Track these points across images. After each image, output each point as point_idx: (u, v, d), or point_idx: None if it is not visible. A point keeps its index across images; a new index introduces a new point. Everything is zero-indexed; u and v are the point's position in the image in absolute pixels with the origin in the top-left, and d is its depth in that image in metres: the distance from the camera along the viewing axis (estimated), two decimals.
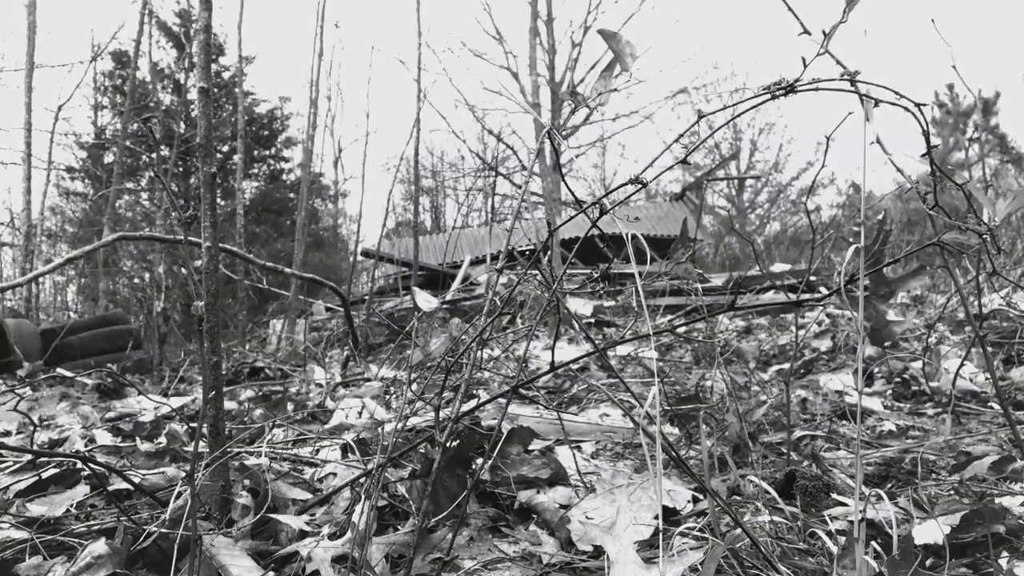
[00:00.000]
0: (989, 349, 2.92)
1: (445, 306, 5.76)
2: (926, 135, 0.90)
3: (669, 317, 5.74)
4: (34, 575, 1.18)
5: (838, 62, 0.89)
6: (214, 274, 1.35)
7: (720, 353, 3.48)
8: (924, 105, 0.89)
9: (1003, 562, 1.08)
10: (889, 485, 1.51)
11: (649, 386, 3.07)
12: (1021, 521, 1.19)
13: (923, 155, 0.91)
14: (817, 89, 0.89)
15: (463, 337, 1.20)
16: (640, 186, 0.96)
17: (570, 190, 1.15)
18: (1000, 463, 1.57)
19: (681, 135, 0.97)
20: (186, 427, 2.29)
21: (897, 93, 0.88)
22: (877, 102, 0.88)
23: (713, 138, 26.15)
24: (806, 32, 0.89)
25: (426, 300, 1.30)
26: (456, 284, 7.87)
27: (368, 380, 3.16)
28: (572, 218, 1.10)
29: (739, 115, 0.92)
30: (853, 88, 0.88)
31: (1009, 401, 2.17)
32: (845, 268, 1.04)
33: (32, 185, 11.17)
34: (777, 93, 0.90)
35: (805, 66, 0.88)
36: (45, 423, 2.84)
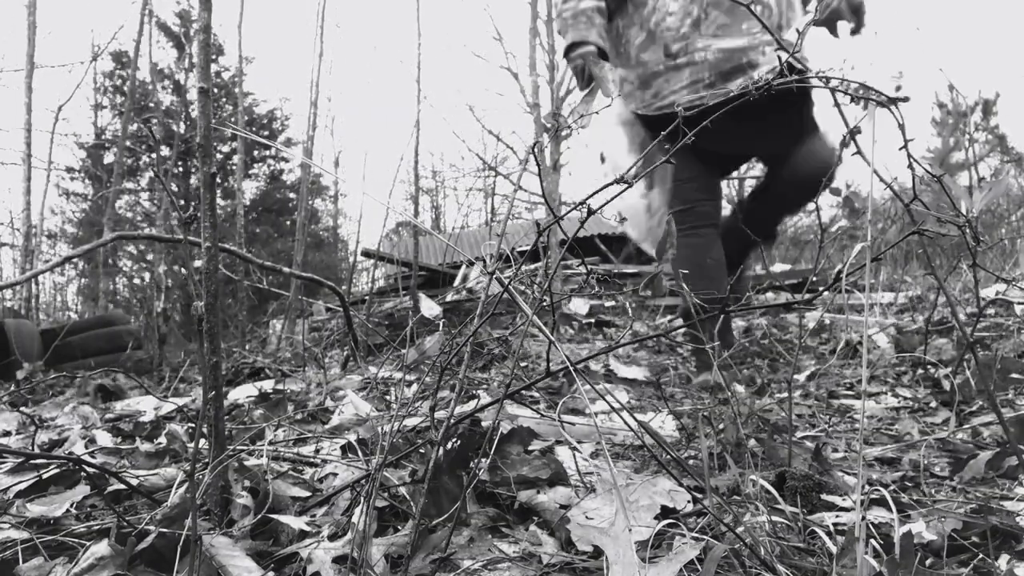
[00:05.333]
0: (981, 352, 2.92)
1: (445, 307, 5.76)
2: (901, 128, 0.91)
3: (669, 317, 5.74)
4: None
5: (811, 71, 0.90)
6: (214, 274, 1.35)
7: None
8: (898, 100, 0.90)
9: (1003, 562, 1.08)
10: (891, 486, 1.51)
11: (649, 384, 3.07)
12: (1021, 522, 1.20)
13: (900, 148, 0.92)
14: (794, 88, 0.91)
15: (457, 340, 1.20)
16: (625, 185, 0.96)
17: (548, 205, 1.15)
18: (995, 459, 1.58)
19: (663, 135, 0.98)
20: (186, 427, 2.29)
21: (867, 87, 0.89)
22: (852, 98, 0.89)
23: None
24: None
25: (429, 306, 1.30)
26: (456, 283, 7.87)
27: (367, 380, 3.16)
28: (555, 222, 1.10)
29: (718, 113, 0.92)
30: (825, 85, 0.89)
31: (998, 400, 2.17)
32: (845, 267, 1.04)
33: (32, 185, 11.17)
34: (755, 92, 0.91)
35: (780, 65, 0.90)
36: (45, 423, 2.84)
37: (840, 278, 1.04)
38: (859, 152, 0.93)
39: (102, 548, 1.15)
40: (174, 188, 17.19)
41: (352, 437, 1.80)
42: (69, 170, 17.71)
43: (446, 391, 2.43)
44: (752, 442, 1.79)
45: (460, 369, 1.25)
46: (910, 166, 0.95)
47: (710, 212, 2.98)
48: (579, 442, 1.90)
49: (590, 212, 1.01)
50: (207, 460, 1.37)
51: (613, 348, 1.27)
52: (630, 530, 1.09)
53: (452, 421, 1.34)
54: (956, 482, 1.54)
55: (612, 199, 1.00)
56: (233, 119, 17.94)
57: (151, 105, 13.61)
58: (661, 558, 1.09)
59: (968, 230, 0.96)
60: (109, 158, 17.40)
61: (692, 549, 1.06)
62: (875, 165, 0.94)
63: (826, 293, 1.08)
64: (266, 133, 19.57)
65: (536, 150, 1.07)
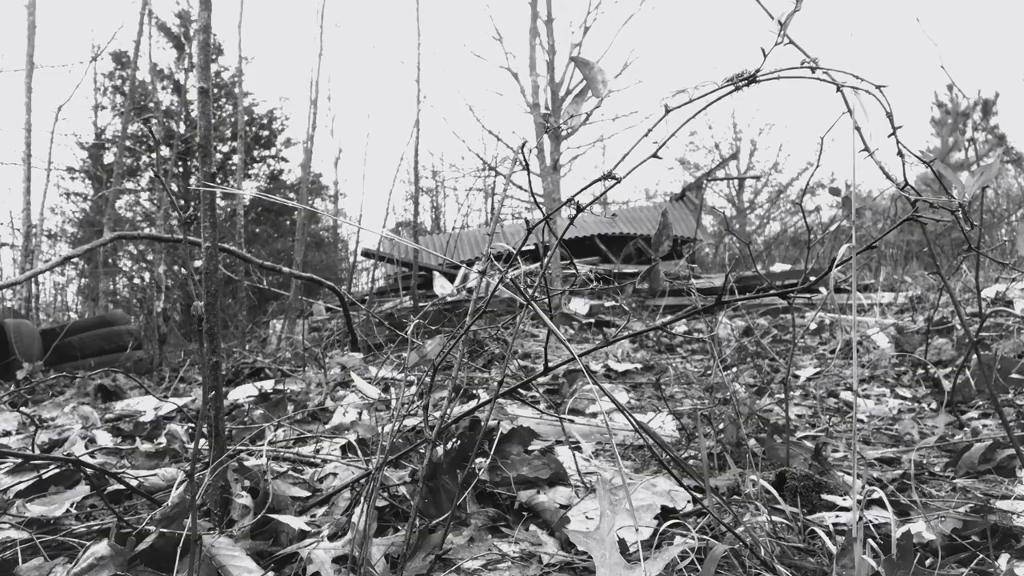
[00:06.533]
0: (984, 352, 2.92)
1: (445, 307, 5.76)
2: (890, 116, 0.91)
3: (669, 317, 5.74)
4: None
5: (800, 49, 0.90)
6: (214, 274, 1.35)
7: (719, 353, 3.48)
8: (885, 87, 0.90)
9: (1003, 562, 1.08)
10: (890, 487, 1.51)
11: (649, 385, 3.07)
12: (1020, 522, 1.19)
13: (889, 135, 0.92)
14: (779, 78, 0.90)
15: (451, 340, 1.20)
16: (614, 181, 0.96)
17: (534, 198, 1.15)
18: (989, 452, 1.58)
19: (650, 130, 0.98)
20: (186, 427, 2.30)
21: (857, 76, 0.89)
22: (839, 87, 0.89)
23: (713, 138, 26.17)
24: (796, 29, 0.89)
25: (442, 284, 1.31)
26: (456, 283, 7.85)
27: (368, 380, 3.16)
28: (543, 221, 1.10)
29: (707, 107, 0.92)
30: (814, 75, 0.89)
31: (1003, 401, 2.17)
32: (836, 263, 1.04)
33: (32, 185, 11.17)
34: (740, 84, 0.91)
35: (765, 56, 0.89)
36: (45, 424, 2.84)
37: (831, 269, 1.04)
38: (865, 148, 0.93)
39: (102, 548, 1.15)
40: (174, 188, 17.19)
41: (352, 437, 1.80)
42: (69, 170, 17.70)
43: (445, 391, 2.43)
44: (752, 442, 1.79)
45: (460, 369, 1.25)
46: (900, 153, 0.95)
47: None
48: (579, 442, 1.90)
49: (579, 209, 1.01)
50: (207, 460, 1.37)
51: (613, 341, 1.27)
52: (616, 533, 1.09)
53: (448, 421, 1.34)
54: (952, 477, 1.54)
55: (602, 195, 1.00)
56: (233, 119, 17.95)
57: (151, 105, 13.61)
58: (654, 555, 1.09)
59: (961, 214, 0.96)
60: (109, 158, 17.38)
61: (676, 548, 1.06)
62: (870, 162, 0.94)
63: (824, 292, 1.08)
64: (266, 133, 19.55)
65: (525, 151, 1.07)
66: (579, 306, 6.29)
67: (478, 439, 1.36)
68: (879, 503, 1.32)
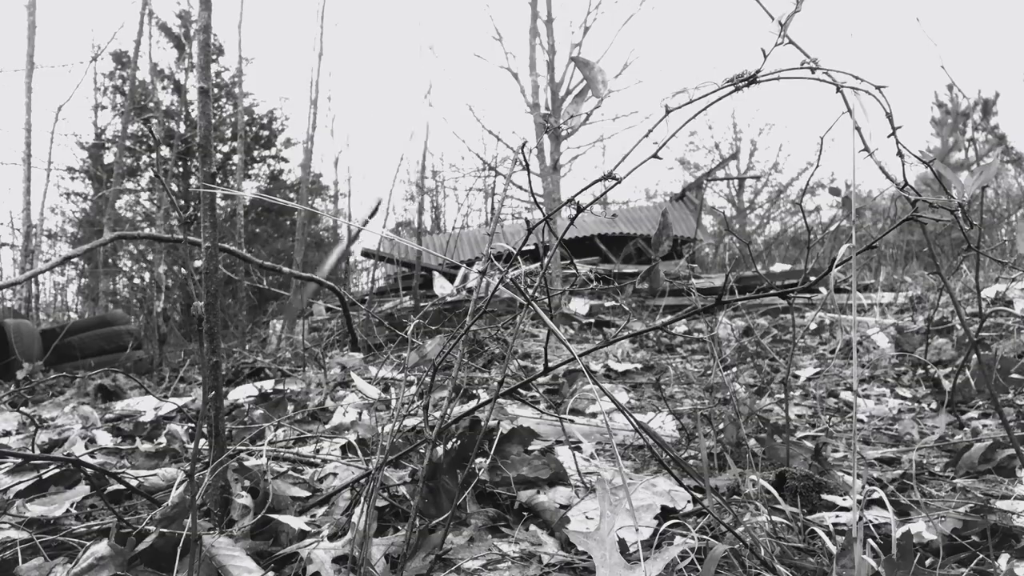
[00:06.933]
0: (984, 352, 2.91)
1: (445, 307, 5.76)
2: (890, 116, 0.91)
3: (669, 318, 5.73)
4: None
5: (800, 49, 0.90)
6: (214, 274, 1.35)
7: (719, 353, 3.48)
8: (884, 87, 0.90)
9: (1003, 562, 1.08)
10: (890, 487, 1.51)
11: (649, 385, 3.07)
12: (1020, 522, 1.19)
13: (889, 135, 0.92)
14: (779, 79, 0.90)
15: (451, 340, 1.20)
16: (615, 181, 0.96)
17: (534, 198, 1.15)
18: (989, 452, 1.59)
19: (650, 130, 0.98)
20: (186, 427, 2.30)
21: (857, 77, 0.89)
22: (839, 87, 0.89)
23: (713, 138, 26.18)
24: (799, 31, 0.89)
25: (442, 284, 1.30)
26: (456, 283, 7.86)
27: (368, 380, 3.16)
28: (543, 221, 1.10)
29: (707, 108, 0.92)
30: (814, 76, 0.89)
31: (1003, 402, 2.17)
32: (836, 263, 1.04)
33: (32, 185, 11.18)
34: (740, 84, 0.91)
35: (765, 57, 0.90)
36: (45, 424, 2.84)
37: (831, 269, 1.04)
38: (865, 148, 0.93)
39: (102, 548, 1.15)
40: (174, 188, 17.18)
41: (352, 437, 1.80)
42: (69, 170, 17.69)
43: (445, 391, 2.43)
44: (752, 442, 1.79)
45: (460, 369, 1.25)
46: (899, 153, 0.95)
47: None
48: (579, 442, 1.90)
49: (579, 209, 1.01)
50: (207, 460, 1.37)
51: (613, 341, 1.27)
52: (614, 533, 1.08)
53: (448, 421, 1.34)
54: (952, 477, 1.54)
55: (602, 195, 1.00)
56: (233, 119, 17.95)
57: (151, 105, 13.61)
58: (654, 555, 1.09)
59: (961, 213, 0.96)
60: (109, 158, 17.38)
61: (675, 548, 1.06)
62: (870, 162, 0.94)
63: (824, 292, 1.08)
64: (266, 133, 19.55)
65: (525, 151, 1.07)
66: (579, 306, 6.29)
67: (478, 439, 1.36)
68: (879, 503, 1.32)
